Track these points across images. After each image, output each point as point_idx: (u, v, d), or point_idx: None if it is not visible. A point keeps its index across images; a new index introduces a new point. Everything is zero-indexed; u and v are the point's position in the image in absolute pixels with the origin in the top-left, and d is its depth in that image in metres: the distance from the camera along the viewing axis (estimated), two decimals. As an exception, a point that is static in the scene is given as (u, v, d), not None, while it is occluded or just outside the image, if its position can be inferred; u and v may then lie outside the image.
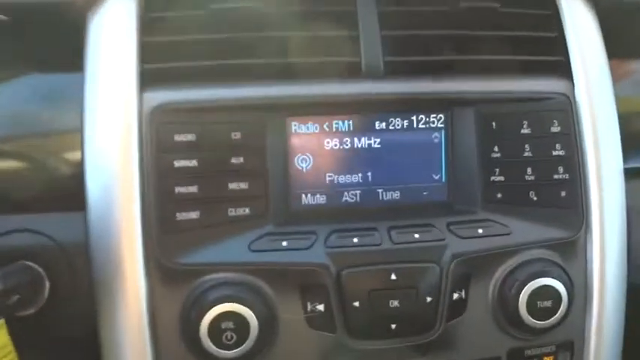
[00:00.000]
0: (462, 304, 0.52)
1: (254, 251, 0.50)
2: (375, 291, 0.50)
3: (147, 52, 0.51)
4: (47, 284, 0.51)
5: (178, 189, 0.49)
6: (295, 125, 0.53)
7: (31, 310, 0.51)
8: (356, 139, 0.54)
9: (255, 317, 0.48)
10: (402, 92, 0.53)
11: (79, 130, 0.51)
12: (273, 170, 0.51)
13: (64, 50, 0.57)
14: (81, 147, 0.51)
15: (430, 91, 0.53)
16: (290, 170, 0.52)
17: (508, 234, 0.53)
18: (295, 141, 0.53)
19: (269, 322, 0.49)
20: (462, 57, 0.54)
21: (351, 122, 0.53)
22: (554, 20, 0.56)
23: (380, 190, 0.54)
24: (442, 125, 0.54)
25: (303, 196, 0.54)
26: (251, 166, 0.51)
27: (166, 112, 0.50)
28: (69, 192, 0.51)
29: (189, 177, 0.49)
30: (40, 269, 0.51)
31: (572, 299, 0.52)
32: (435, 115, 0.54)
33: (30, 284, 0.50)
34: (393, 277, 0.50)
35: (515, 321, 0.52)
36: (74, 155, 0.52)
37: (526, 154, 0.54)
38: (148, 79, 0.50)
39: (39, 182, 0.53)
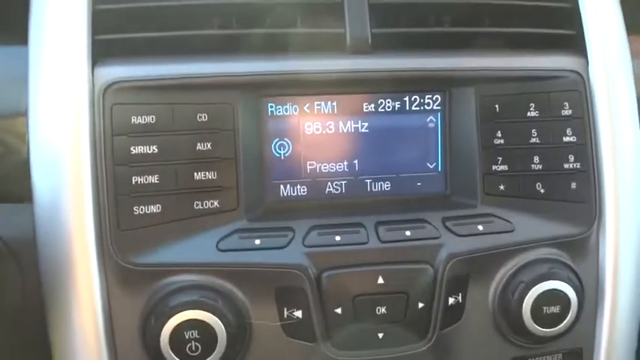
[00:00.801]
0: (458, 309, 0.48)
1: (223, 250, 0.45)
2: (359, 296, 0.46)
3: (99, 21, 0.46)
4: None
5: (136, 179, 0.45)
6: (272, 106, 0.48)
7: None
8: (341, 123, 0.49)
9: (222, 326, 0.44)
10: (392, 69, 0.48)
11: (25, 112, 0.46)
12: (246, 158, 0.47)
13: (6, 19, 0.50)
14: (26, 130, 0.46)
15: (424, 67, 0.48)
16: (266, 158, 0.48)
17: (511, 231, 0.48)
18: (272, 124, 0.48)
19: (239, 330, 0.45)
20: (461, 29, 0.50)
21: (335, 103, 0.49)
22: None
23: (368, 181, 0.50)
24: (438, 107, 0.50)
25: (282, 187, 0.49)
26: (220, 153, 0.46)
27: (121, 90, 0.45)
28: (13, 181, 0.47)
29: (148, 165, 0.45)
30: None
31: (582, 304, 0.48)
32: (430, 96, 0.50)
33: (-30, 285, 0.47)
34: (381, 280, 0.46)
35: (519, 328, 0.48)
36: (19, 139, 0.48)
37: (533, 140, 0.49)
38: (100, 52, 0.45)
39: None
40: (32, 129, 0.46)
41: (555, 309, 0.47)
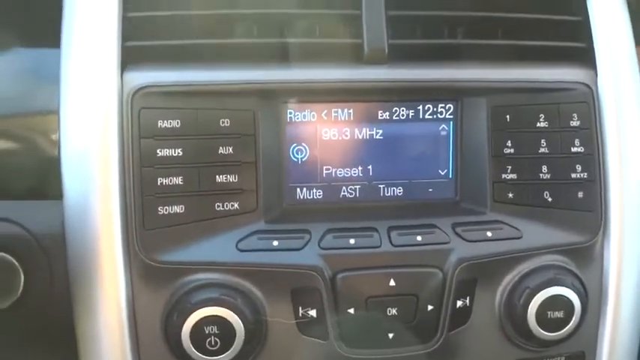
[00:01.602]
0: (465, 312, 0.48)
1: (242, 251, 0.46)
2: (372, 298, 0.46)
3: (129, 28, 0.46)
4: (22, 277, 0.47)
5: (161, 180, 0.45)
6: (291, 113, 0.49)
7: (4, 305, 0.47)
8: (356, 130, 0.49)
9: (241, 322, 0.44)
10: (407, 79, 0.48)
11: (56, 112, 0.47)
12: (266, 162, 0.47)
13: (40, 23, 0.52)
14: (58, 130, 0.47)
15: (438, 78, 0.49)
16: (284, 162, 0.48)
17: (519, 237, 0.48)
18: (290, 130, 0.48)
19: (256, 327, 0.45)
20: (474, 41, 0.50)
21: (351, 111, 0.49)
22: (577, 2, 0.51)
23: (381, 186, 0.50)
24: (451, 116, 0.50)
25: (298, 190, 0.50)
26: (241, 157, 0.46)
27: (149, 94, 0.45)
28: (45, 179, 0.47)
29: (173, 167, 0.45)
30: (14, 261, 0.46)
31: (586, 309, 0.48)
32: (443, 105, 0.50)
33: (2, 277, 0.46)
34: (392, 283, 0.47)
35: (524, 332, 0.48)
36: (51, 139, 0.48)
37: (542, 150, 0.49)
38: (129, 58, 0.46)
39: (12, 167, 0.49)
40: (63, 129, 0.46)
41: (559, 314, 0.47)
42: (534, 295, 0.47)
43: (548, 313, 0.47)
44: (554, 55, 0.51)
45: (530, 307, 0.47)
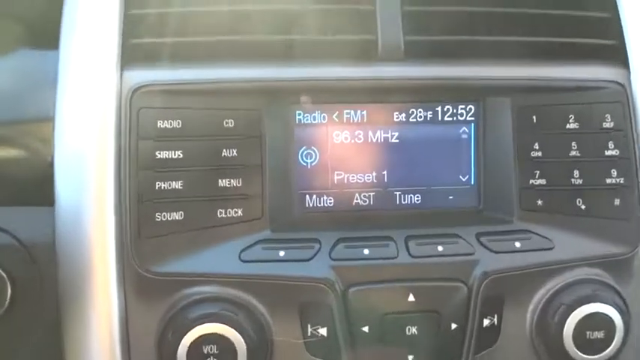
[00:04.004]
0: (493, 332, 0.44)
1: (246, 261, 0.42)
2: (389, 314, 0.42)
3: (130, 25, 0.44)
4: (9, 288, 0.43)
5: (160, 184, 0.42)
6: (300, 114, 0.45)
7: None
8: (370, 132, 0.46)
9: (243, 341, 0.40)
10: (425, 77, 0.45)
11: (50, 116, 0.44)
12: (272, 166, 0.44)
13: (35, 24, 0.48)
14: (52, 132, 0.44)
15: (458, 76, 0.45)
16: (292, 166, 0.45)
17: (550, 249, 0.44)
18: (299, 132, 0.45)
19: (260, 347, 0.41)
20: (497, 38, 0.46)
21: (364, 112, 0.46)
22: None
23: (397, 193, 0.46)
24: (472, 118, 0.46)
25: (307, 197, 0.46)
26: (246, 160, 0.43)
27: (149, 93, 0.42)
28: (36, 184, 0.44)
29: (172, 171, 0.42)
30: (1, 271, 0.43)
31: (629, 329, 0.44)
32: (463, 106, 0.46)
33: (-13, 286, 0.42)
34: (411, 298, 0.42)
35: (559, 354, 0.43)
36: (44, 142, 0.45)
37: (572, 153, 0.46)
38: (130, 56, 0.43)
39: (1, 171, 0.45)
40: (58, 132, 0.43)
41: (599, 334, 0.43)
42: (570, 313, 0.43)
43: (587, 333, 0.43)
44: (584, 53, 0.47)
45: (566, 327, 0.43)
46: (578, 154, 0.45)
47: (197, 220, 0.42)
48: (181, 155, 0.42)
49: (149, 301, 0.42)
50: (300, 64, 0.44)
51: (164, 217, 0.42)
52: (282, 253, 0.42)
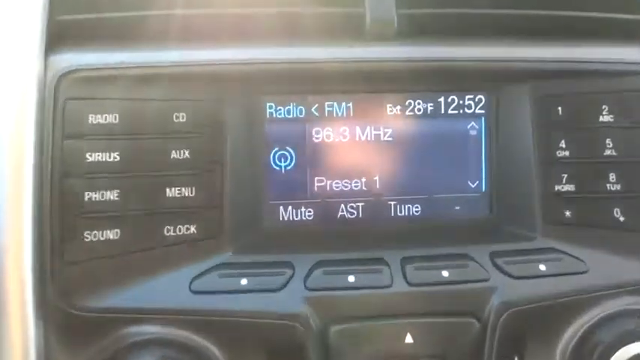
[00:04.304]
0: None
1: (198, 293, 0.37)
2: None
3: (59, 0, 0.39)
4: None
5: (90, 195, 0.37)
6: (271, 107, 0.41)
7: None
8: (358, 129, 0.42)
9: None
10: (422, 59, 0.40)
11: None
12: (236, 171, 0.39)
13: None
14: None
15: (463, 57, 0.40)
16: (262, 171, 0.41)
17: (584, 272, 0.39)
18: (271, 129, 0.41)
19: None
20: (512, 11, 0.42)
21: (350, 104, 0.41)
22: None
23: (392, 203, 0.42)
24: (482, 111, 0.42)
25: (281, 209, 0.41)
26: (201, 164, 0.38)
27: (78, 80, 0.37)
28: None
29: (107, 177, 0.37)
30: None
31: None
32: (471, 96, 0.42)
33: None
34: (409, 338, 0.37)
35: None
36: None
37: (607, 152, 0.41)
38: (57, 35, 0.38)
39: None
40: None
41: None
42: (612, 354, 0.38)
43: None
44: (617, 32, 0.43)
45: (606, 372, 0.38)
46: (614, 153, 0.41)
47: (137, 240, 0.37)
48: (118, 158, 0.37)
49: (75, 344, 0.37)
50: (269, 44, 0.39)
51: (95, 236, 0.36)
52: (244, 282, 0.37)
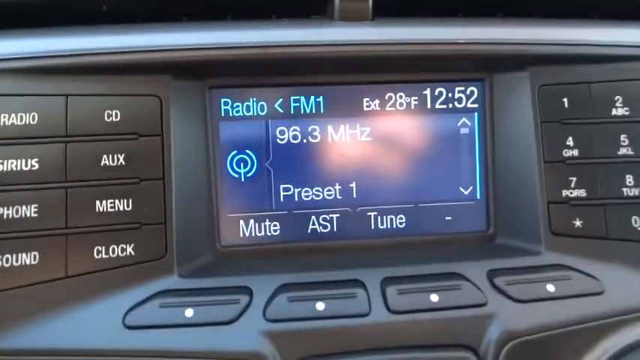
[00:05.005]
0: None
1: (132, 328, 0.32)
2: None
3: None
4: None
5: (2, 210, 0.32)
6: (227, 103, 0.36)
7: None
8: (330, 127, 0.37)
9: None
10: (402, 41, 0.35)
11: None
12: (183, 179, 0.34)
13: None
14: None
15: (451, 39, 0.36)
16: (216, 179, 0.36)
17: (599, 293, 0.35)
18: (227, 129, 0.36)
19: None
20: None
21: (321, 99, 0.37)
22: None
23: (372, 214, 0.38)
24: (475, 105, 0.38)
25: (241, 222, 0.37)
26: (139, 172, 0.33)
27: None
28: None
29: (22, 189, 0.32)
30: None
31: None
32: (462, 88, 0.38)
33: None
34: None
35: None
36: None
37: (622, 150, 0.37)
38: None
39: None
40: None
41: None
42: None
43: None
44: (627, 13, 0.39)
45: (630, 415, 0.33)
46: (631, 152, 0.37)
47: (59, 265, 0.32)
48: (37, 166, 0.32)
49: None
50: (221, 26, 0.35)
51: (7, 260, 0.31)
52: (189, 313, 0.32)
